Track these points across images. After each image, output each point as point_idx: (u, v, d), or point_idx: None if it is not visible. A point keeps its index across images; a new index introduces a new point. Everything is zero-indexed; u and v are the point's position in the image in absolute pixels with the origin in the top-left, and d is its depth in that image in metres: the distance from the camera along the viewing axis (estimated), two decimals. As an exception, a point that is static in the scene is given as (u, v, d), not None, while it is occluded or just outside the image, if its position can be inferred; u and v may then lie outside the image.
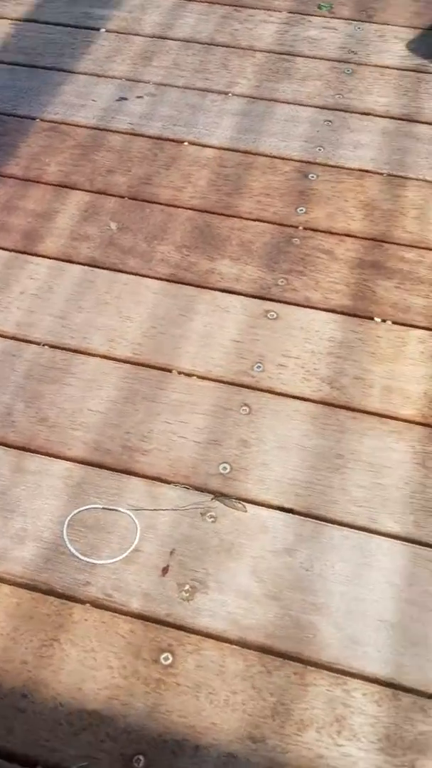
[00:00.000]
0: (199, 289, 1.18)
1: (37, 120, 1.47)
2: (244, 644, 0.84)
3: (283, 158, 1.37)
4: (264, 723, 0.79)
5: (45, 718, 0.79)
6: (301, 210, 1.28)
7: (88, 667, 0.83)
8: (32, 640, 0.84)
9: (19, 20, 1.69)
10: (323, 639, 0.84)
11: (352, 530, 0.92)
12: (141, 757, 0.77)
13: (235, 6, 1.70)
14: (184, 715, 0.79)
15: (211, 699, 0.80)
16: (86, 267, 1.22)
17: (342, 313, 1.14)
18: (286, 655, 0.83)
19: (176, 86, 1.52)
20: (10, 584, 0.88)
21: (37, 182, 1.35)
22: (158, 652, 0.84)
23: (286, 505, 0.95)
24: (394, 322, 1.12)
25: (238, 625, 0.85)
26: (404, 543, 0.91)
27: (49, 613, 0.86)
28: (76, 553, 0.91)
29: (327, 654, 0.83)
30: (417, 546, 0.90)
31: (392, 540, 0.91)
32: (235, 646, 0.84)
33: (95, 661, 0.83)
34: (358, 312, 1.14)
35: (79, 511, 0.94)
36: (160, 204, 1.31)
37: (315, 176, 1.34)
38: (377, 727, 0.79)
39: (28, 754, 0.77)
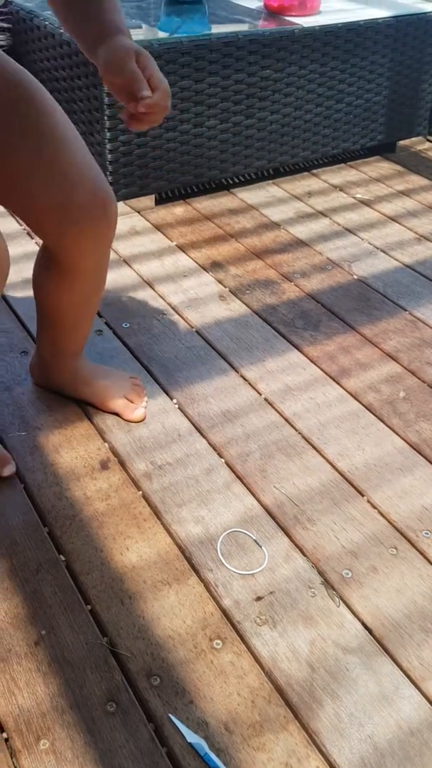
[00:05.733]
0: (427, 462, 1.44)
1: (407, 312, 1.92)
2: (269, 675, 1.06)
3: None
4: (241, 723, 0.99)
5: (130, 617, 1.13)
6: None
7: (173, 611, 1.14)
8: (158, 573, 1.20)
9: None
10: (320, 715, 1.00)
11: (402, 674, 1.06)
12: (158, 677, 1.05)
13: None
14: (199, 678, 1.05)
15: (223, 685, 1.04)
16: (362, 407, 1.58)
17: None
18: (289, 704, 1.02)
19: None
20: (172, 539, 1.26)
21: (375, 345, 1.78)
22: (216, 637, 1.11)
23: (369, 625, 1.13)
24: None
25: (274, 663, 1.07)
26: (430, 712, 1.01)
27: (181, 568, 1.21)
28: (219, 552, 1.24)
29: (315, 724, 0.99)
30: (441, 721, 1.00)
31: (425, 701, 1.02)
32: (261, 671, 1.06)
33: (179, 611, 1.14)
34: None
35: (239, 531, 1.28)
36: (447, 400, 1.61)
37: None
38: None
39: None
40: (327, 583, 1.20)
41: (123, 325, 1.81)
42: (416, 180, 2.61)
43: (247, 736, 0.98)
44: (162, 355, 1.72)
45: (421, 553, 1.26)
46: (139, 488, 1.37)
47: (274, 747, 0.97)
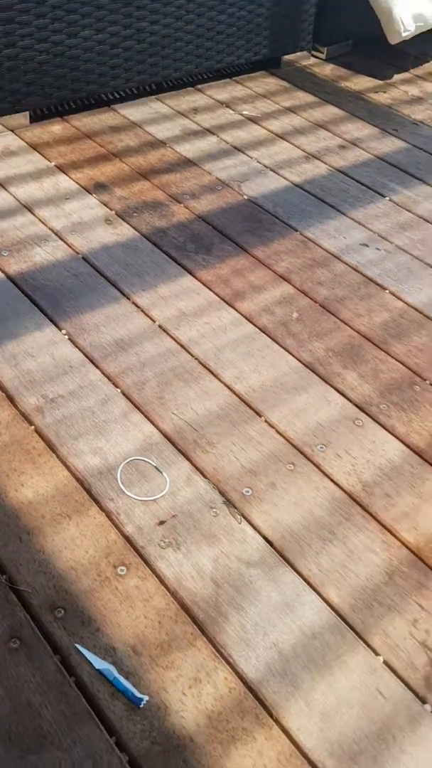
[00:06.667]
0: (321, 380, 1.47)
1: (298, 232, 1.91)
2: (174, 595, 1.07)
3: (452, 333, 1.61)
4: (149, 645, 1.00)
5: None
6: (437, 371, 1.51)
7: (74, 543, 1.12)
8: (57, 506, 1.16)
9: (335, 169, 2.18)
10: (227, 628, 1.03)
11: (302, 582, 1.10)
12: (62, 609, 1.04)
13: None
14: (105, 605, 1.04)
15: (129, 610, 1.04)
16: (257, 329, 1.58)
17: (412, 449, 1.33)
18: (195, 621, 1.04)
19: (410, 254, 1.86)
20: (70, 472, 1.23)
21: (267, 267, 1.77)
22: (120, 563, 1.10)
23: (269, 538, 1.16)
24: (447, 477, 1.29)
25: (179, 583, 1.08)
26: (332, 612, 1.06)
27: (81, 500, 1.18)
28: (119, 481, 1.22)
29: (221, 638, 1.02)
30: (341, 620, 1.06)
31: (325, 605, 1.07)
32: (167, 592, 1.07)
33: (81, 542, 1.12)
34: (424, 455, 1.32)
35: (139, 459, 1.26)
36: (338, 318, 1.63)
37: (467, 356, 1.55)
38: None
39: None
40: (228, 502, 1.22)
41: (2, 253, 1.69)
42: (302, 96, 2.56)
43: (155, 656, 0.99)
44: (47, 284, 1.63)
45: (317, 466, 1.30)
46: (31, 423, 1.31)
47: (182, 664, 0.99)
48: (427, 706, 0.98)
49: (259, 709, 0.95)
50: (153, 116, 2.33)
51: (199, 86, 2.54)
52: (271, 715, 0.95)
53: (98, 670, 0.95)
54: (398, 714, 0.96)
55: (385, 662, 1.02)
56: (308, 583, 1.11)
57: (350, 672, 1.00)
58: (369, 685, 0.99)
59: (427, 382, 1.49)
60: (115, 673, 0.95)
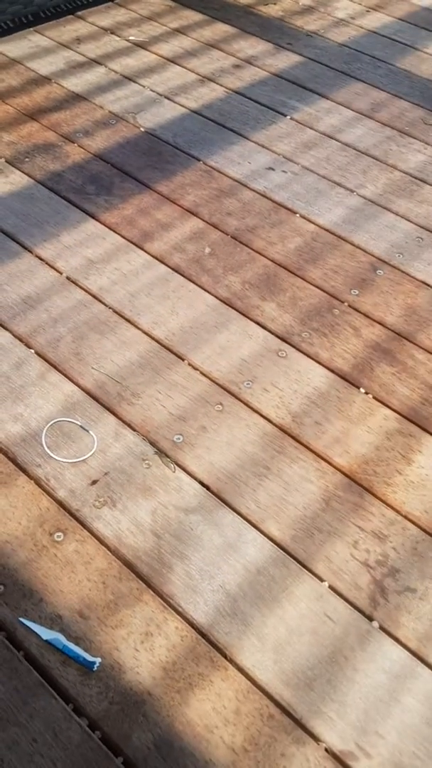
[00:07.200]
0: (239, 315, 1.44)
1: (201, 162, 1.84)
2: (115, 553, 1.05)
3: (365, 251, 1.60)
4: (95, 607, 0.99)
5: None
6: (355, 292, 1.50)
7: (5, 516, 1.08)
8: (-18, 483, 1.12)
9: (232, 91, 2.09)
10: (172, 578, 1.03)
11: (242, 520, 1.10)
12: (1, 585, 1.01)
13: (402, 133, 1.99)
14: (45, 574, 1.02)
15: (70, 575, 1.02)
16: (170, 269, 1.53)
17: (337, 374, 1.33)
18: (140, 576, 1.03)
19: (317, 173, 1.82)
20: (-10, 443, 1.18)
21: (173, 202, 1.70)
22: (56, 530, 1.07)
23: (205, 482, 1.15)
24: (374, 397, 1.30)
25: (119, 541, 1.07)
26: (275, 546, 1.07)
27: (6, 471, 1.14)
28: (45, 446, 1.18)
29: (168, 588, 1.02)
30: (284, 553, 1.07)
31: (267, 540, 1.08)
32: (108, 552, 1.05)
33: (12, 514, 1.09)
34: (349, 378, 1.33)
35: (62, 420, 1.22)
36: (251, 249, 1.59)
37: (382, 272, 1.55)
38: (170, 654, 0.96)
39: None
40: (160, 452, 1.19)
41: None
42: (189, 15, 2.42)
43: (103, 617, 0.98)
44: None
45: (246, 403, 1.28)
46: None
47: (131, 620, 0.98)
48: (375, 623, 1.01)
49: (212, 652, 0.96)
50: (33, 50, 2.16)
51: (80, 13, 2.37)
52: (225, 656, 0.96)
53: (46, 641, 0.94)
54: (348, 635, 0.99)
55: (331, 587, 1.04)
56: (248, 521, 1.11)
57: (298, 601, 1.02)
58: (317, 611, 1.01)
59: (345, 304, 1.49)
60: (64, 641, 0.93)
